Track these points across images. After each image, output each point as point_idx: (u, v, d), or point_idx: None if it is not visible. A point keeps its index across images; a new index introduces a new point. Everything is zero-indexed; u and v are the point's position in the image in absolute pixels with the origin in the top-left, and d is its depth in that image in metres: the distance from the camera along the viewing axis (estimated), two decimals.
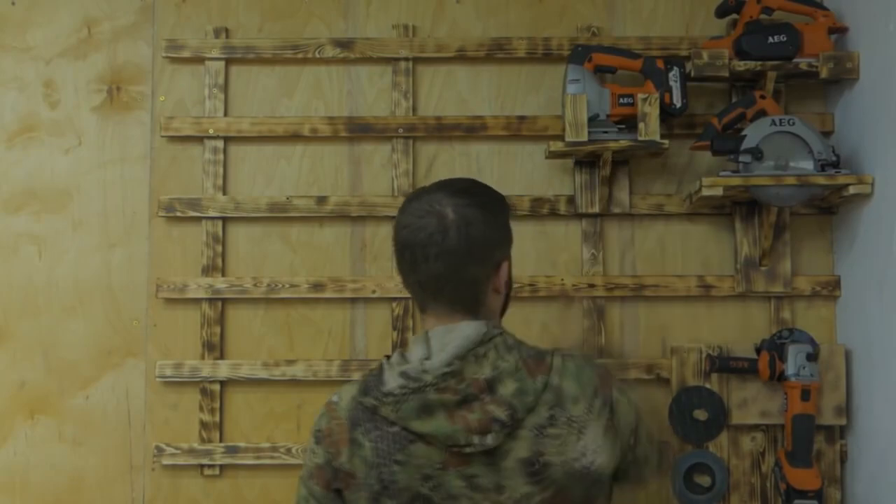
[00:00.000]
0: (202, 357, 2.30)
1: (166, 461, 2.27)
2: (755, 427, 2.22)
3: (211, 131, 2.35)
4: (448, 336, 1.37)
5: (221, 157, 2.36)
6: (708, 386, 2.21)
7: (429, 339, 1.39)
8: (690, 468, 2.18)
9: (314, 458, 1.46)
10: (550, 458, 1.33)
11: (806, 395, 2.12)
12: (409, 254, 1.40)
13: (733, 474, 2.21)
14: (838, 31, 2.25)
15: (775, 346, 2.17)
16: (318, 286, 2.31)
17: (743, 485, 2.21)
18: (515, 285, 2.28)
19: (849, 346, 2.23)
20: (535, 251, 2.34)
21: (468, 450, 1.32)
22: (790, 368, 2.14)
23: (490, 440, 1.32)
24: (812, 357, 2.14)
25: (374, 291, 2.31)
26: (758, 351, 2.19)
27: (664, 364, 2.26)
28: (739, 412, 2.20)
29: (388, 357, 1.43)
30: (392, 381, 1.36)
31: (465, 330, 1.37)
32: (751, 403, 2.20)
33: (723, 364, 2.18)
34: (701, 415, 2.19)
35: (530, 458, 1.33)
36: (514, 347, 1.37)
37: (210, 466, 2.28)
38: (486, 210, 1.42)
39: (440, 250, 1.37)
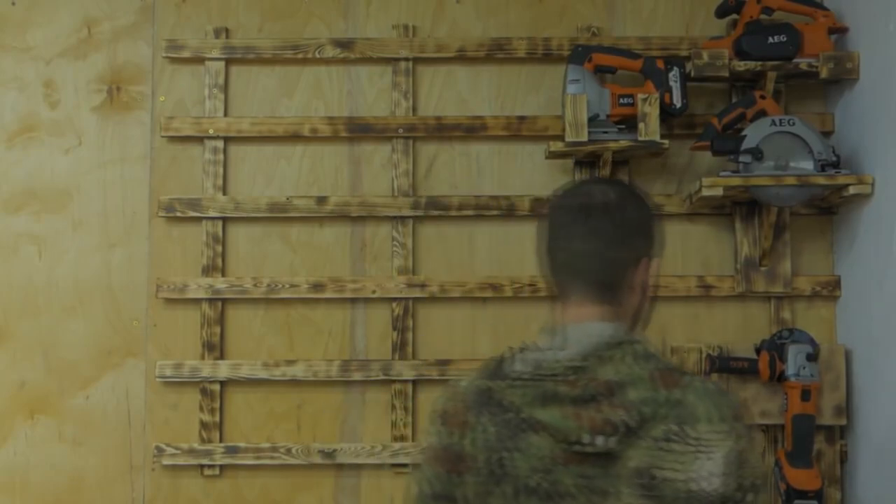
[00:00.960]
0: (202, 357, 2.30)
1: (166, 461, 2.27)
2: (755, 427, 2.22)
3: (211, 131, 2.35)
4: (582, 333, 1.36)
5: (221, 157, 2.36)
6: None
7: (562, 332, 1.38)
8: None
9: (430, 438, 1.45)
10: (665, 473, 1.28)
11: (806, 395, 2.12)
12: (553, 231, 1.42)
13: None
14: (838, 31, 2.25)
15: (775, 347, 2.17)
16: (318, 286, 2.31)
17: None
18: (516, 285, 2.29)
19: (849, 346, 2.23)
20: (534, 251, 2.33)
21: (576, 448, 1.30)
22: (790, 368, 2.14)
23: (601, 442, 1.29)
24: (812, 357, 2.14)
25: (374, 291, 2.31)
26: (758, 351, 2.19)
27: None
28: None
29: (511, 348, 1.42)
30: (519, 366, 1.37)
31: (599, 329, 1.36)
32: (751, 404, 2.20)
33: (723, 364, 2.18)
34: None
35: (643, 469, 1.29)
36: (648, 357, 1.34)
37: (210, 466, 2.28)
38: (637, 201, 1.44)
39: (588, 228, 1.38)
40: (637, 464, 1.28)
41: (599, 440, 1.29)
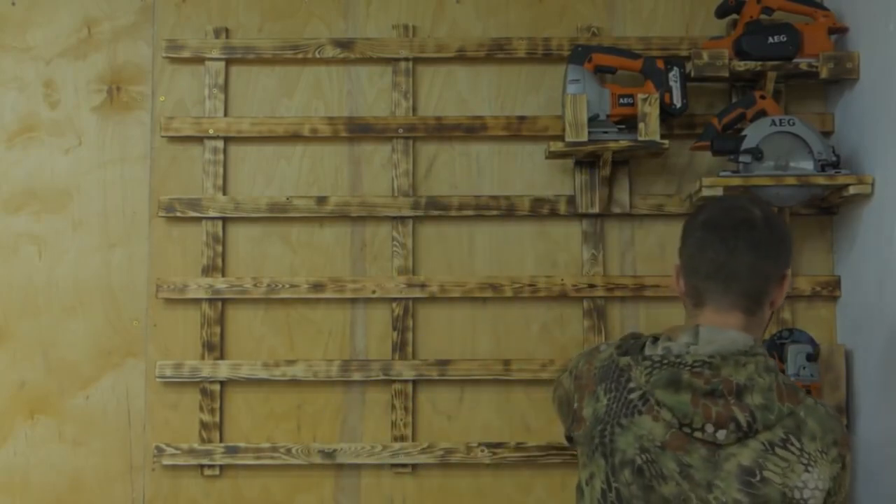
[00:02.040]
0: (202, 357, 2.30)
1: (166, 461, 2.27)
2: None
3: (211, 131, 2.35)
4: (717, 335, 1.44)
5: (221, 157, 2.36)
6: None
7: (698, 332, 1.45)
8: None
9: (564, 384, 1.60)
10: (771, 476, 1.37)
11: None
12: (710, 244, 1.47)
13: None
14: (838, 31, 2.25)
15: (775, 347, 2.17)
16: (318, 286, 2.31)
17: None
18: (516, 285, 2.29)
19: (849, 347, 2.23)
20: (534, 251, 2.34)
21: (697, 434, 1.38)
22: (790, 369, 2.14)
23: (720, 436, 1.37)
24: (812, 357, 2.13)
25: (374, 291, 2.31)
26: None
27: None
28: None
29: (649, 336, 1.52)
30: (653, 350, 1.45)
31: (733, 336, 1.44)
32: None
33: None
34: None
35: (751, 467, 1.37)
36: (773, 371, 1.42)
37: (210, 466, 2.28)
38: (781, 219, 1.56)
39: (748, 239, 1.46)
40: (746, 461, 1.37)
41: (720, 433, 1.37)
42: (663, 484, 1.40)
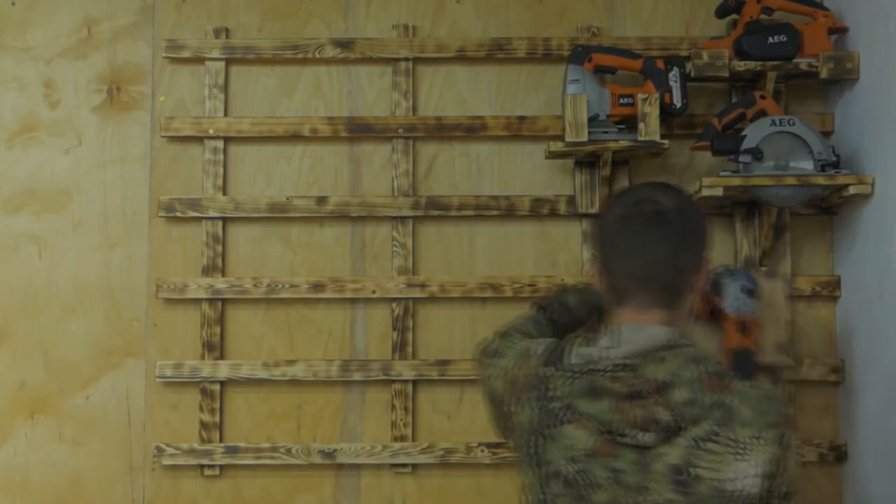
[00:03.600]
0: (202, 357, 2.30)
1: (166, 461, 2.27)
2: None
3: (211, 131, 2.35)
4: (636, 334, 1.41)
5: (221, 157, 2.36)
6: None
7: (617, 332, 1.42)
8: None
9: (493, 384, 1.55)
10: (701, 472, 1.33)
11: (743, 328, 2.06)
12: (622, 240, 1.43)
13: None
14: (838, 31, 2.25)
15: (710, 283, 2.13)
16: (318, 286, 2.31)
17: None
18: (516, 285, 2.30)
19: (849, 347, 2.23)
20: (534, 251, 2.34)
21: (623, 440, 1.35)
22: (726, 303, 2.06)
23: (645, 438, 1.34)
24: (750, 292, 2.09)
25: (374, 291, 2.31)
26: None
27: None
28: None
29: (573, 338, 1.49)
30: (571, 359, 1.42)
31: (653, 332, 1.40)
32: None
33: None
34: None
35: (681, 466, 1.33)
36: (699, 360, 1.38)
37: (210, 466, 2.28)
38: (696, 206, 1.49)
39: (658, 235, 1.41)
40: (674, 461, 1.33)
41: (642, 436, 1.34)
42: (596, 492, 1.37)
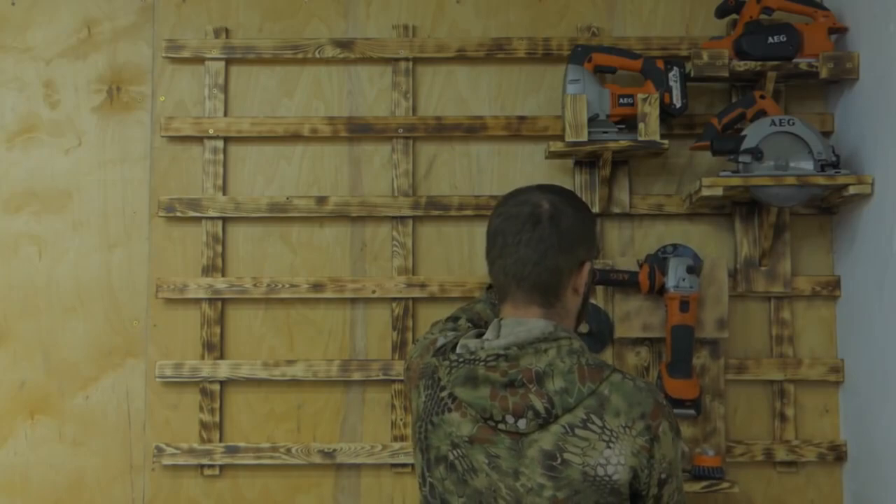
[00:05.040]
0: (202, 357, 2.30)
1: (166, 461, 2.27)
2: (640, 341, 2.24)
3: (211, 131, 2.35)
4: (516, 327, 1.46)
5: (221, 157, 2.36)
6: (593, 301, 2.23)
7: (498, 325, 1.49)
8: None
9: (404, 374, 1.68)
10: (571, 457, 1.39)
11: (685, 306, 2.14)
12: (501, 238, 1.49)
13: None
14: (838, 31, 2.25)
15: (657, 260, 2.19)
16: (318, 286, 2.31)
17: None
18: None
19: (848, 347, 2.23)
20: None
21: (501, 426, 1.41)
22: (670, 280, 2.16)
23: (521, 425, 1.40)
24: (692, 269, 2.16)
25: (374, 291, 2.31)
26: (640, 265, 2.20)
27: None
28: (622, 326, 2.23)
29: (464, 332, 1.57)
30: (457, 349, 1.49)
31: (532, 324, 1.46)
32: (633, 317, 2.22)
33: (603, 276, 2.19)
34: (584, 328, 2.21)
35: (552, 451, 1.39)
36: (576, 353, 1.44)
37: (210, 466, 2.28)
38: (577, 209, 1.52)
39: (532, 235, 1.47)
40: (547, 446, 1.40)
41: (520, 422, 1.40)
42: (475, 477, 1.43)
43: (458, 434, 1.45)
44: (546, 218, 1.48)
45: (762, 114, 2.19)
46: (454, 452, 1.45)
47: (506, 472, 1.41)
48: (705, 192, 2.13)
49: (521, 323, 1.47)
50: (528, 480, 1.40)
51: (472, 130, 2.35)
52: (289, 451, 2.27)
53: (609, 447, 1.39)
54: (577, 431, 1.39)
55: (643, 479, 1.41)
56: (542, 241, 1.47)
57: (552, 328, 1.45)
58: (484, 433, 1.43)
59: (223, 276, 2.33)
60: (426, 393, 1.51)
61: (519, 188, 1.58)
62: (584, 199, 2.31)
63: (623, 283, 2.19)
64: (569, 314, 1.52)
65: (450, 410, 1.46)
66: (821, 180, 2.12)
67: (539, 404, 1.40)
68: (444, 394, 1.47)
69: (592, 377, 1.41)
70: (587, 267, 1.52)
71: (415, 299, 2.31)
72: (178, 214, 2.33)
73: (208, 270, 2.33)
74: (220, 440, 2.29)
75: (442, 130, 2.35)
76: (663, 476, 1.43)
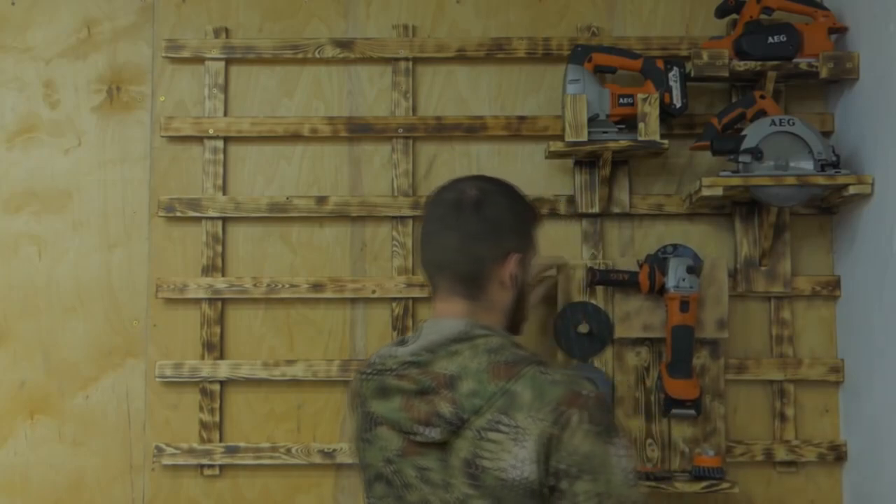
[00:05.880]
0: (202, 357, 2.30)
1: (166, 461, 2.27)
2: (640, 342, 2.24)
3: (211, 131, 2.35)
4: (435, 328, 1.40)
5: (221, 157, 2.36)
6: (593, 301, 2.23)
7: (420, 329, 1.43)
8: None
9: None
10: (486, 462, 1.31)
11: (685, 306, 2.13)
12: (426, 226, 1.46)
13: (618, 389, 2.23)
14: (838, 31, 2.25)
15: (657, 260, 2.19)
16: (318, 286, 2.31)
17: (627, 399, 2.23)
18: None
19: (849, 347, 2.23)
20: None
21: (417, 438, 1.34)
22: (670, 280, 2.15)
23: (432, 433, 1.33)
24: (692, 270, 2.16)
25: (374, 291, 2.31)
26: (640, 265, 2.20)
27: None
28: (622, 326, 2.23)
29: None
30: (373, 360, 1.44)
31: (445, 325, 1.39)
32: (633, 317, 2.22)
33: (603, 277, 2.19)
34: (584, 329, 2.22)
35: (470, 459, 1.32)
36: (493, 350, 1.35)
37: (210, 466, 2.28)
38: (508, 199, 1.46)
39: (453, 223, 1.42)
40: (465, 454, 1.32)
41: (428, 431, 1.33)
42: (409, 492, 1.37)
43: (390, 449, 1.38)
44: (470, 204, 1.42)
45: (762, 114, 2.19)
46: (389, 468, 1.39)
47: (437, 485, 1.35)
48: (705, 192, 2.13)
49: (438, 323, 1.41)
50: (457, 491, 1.33)
51: (472, 130, 2.35)
52: (289, 451, 2.27)
53: (518, 446, 1.29)
54: (489, 435, 1.30)
55: (551, 468, 1.30)
56: (462, 228, 1.41)
57: (466, 326, 1.38)
58: (412, 446, 1.36)
59: (223, 276, 2.33)
60: (358, 411, 1.45)
61: (449, 181, 1.53)
62: (583, 199, 2.32)
63: (623, 283, 2.19)
64: (497, 309, 1.45)
65: (378, 425, 1.40)
66: (821, 180, 2.12)
67: (447, 410, 1.32)
68: (368, 409, 1.41)
69: (505, 374, 1.32)
70: (515, 259, 1.44)
71: (415, 299, 2.31)
72: (178, 214, 2.33)
73: (208, 270, 2.33)
74: (220, 440, 2.29)
75: (442, 130, 2.35)
76: (574, 471, 1.30)
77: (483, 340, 1.36)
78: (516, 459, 1.29)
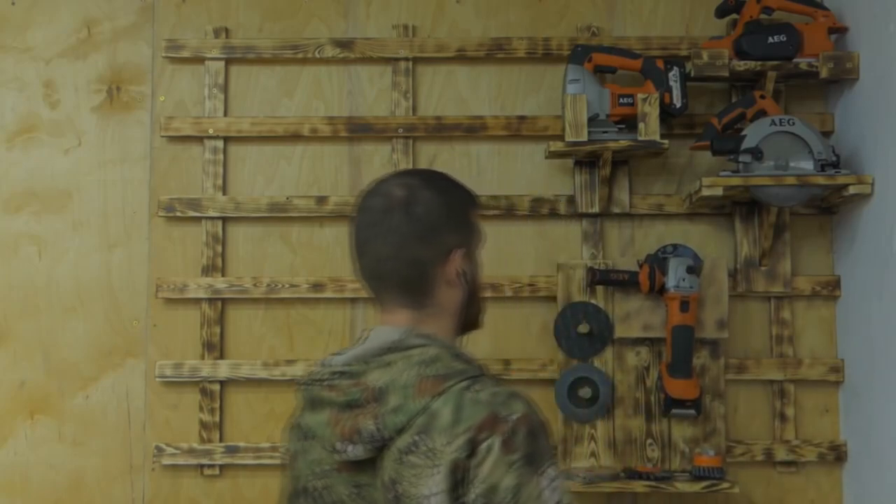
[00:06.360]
0: (202, 357, 2.30)
1: (166, 461, 2.27)
2: (640, 341, 2.25)
3: (211, 131, 2.35)
4: (374, 336, 1.30)
5: (221, 157, 2.36)
6: (593, 301, 2.24)
7: (364, 337, 1.32)
8: (574, 382, 2.22)
9: None
10: (406, 488, 1.18)
11: (685, 306, 2.14)
12: (358, 236, 1.33)
13: (618, 389, 2.24)
14: (838, 31, 2.25)
15: (657, 260, 2.20)
16: (318, 286, 2.31)
17: (628, 399, 2.24)
18: (516, 285, 2.29)
19: (849, 347, 2.23)
20: (535, 251, 2.34)
21: (336, 456, 1.23)
22: (670, 280, 2.16)
23: (354, 451, 1.21)
24: (693, 270, 2.17)
25: None
26: (641, 265, 2.21)
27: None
28: (622, 325, 2.23)
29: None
30: (312, 370, 1.35)
31: (384, 333, 1.28)
32: (633, 317, 2.23)
33: (603, 277, 2.20)
34: (584, 329, 2.22)
35: (391, 483, 1.19)
36: (426, 363, 1.22)
37: (210, 466, 2.28)
38: (439, 192, 1.33)
39: (383, 229, 1.29)
40: (388, 475, 1.20)
41: (351, 449, 1.21)
42: None
43: (322, 463, 1.26)
44: (398, 206, 1.29)
45: (762, 114, 2.19)
46: (317, 483, 1.27)
47: (368, 501, 1.22)
48: (705, 192, 2.13)
49: (377, 332, 1.29)
50: None
51: (472, 130, 2.35)
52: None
53: (435, 473, 1.15)
54: (408, 458, 1.17)
55: (460, 502, 1.15)
56: (394, 233, 1.28)
57: (403, 335, 1.26)
58: (345, 463, 1.23)
59: (223, 275, 2.33)
60: (293, 420, 1.36)
61: (381, 176, 1.39)
62: (583, 199, 2.31)
63: (623, 283, 2.20)
64: (447, 313, 1.32)
65: (309, 438, 1.28)
66: (821, 180, 2.12)
67: (369, 426, 1.19)
68: (301, 419, 1.32)
69: (430, 390, 1.19)
70: (459, 255, 1.32)
71: None
72: (178, 214, 2.33)
73: (208, 270, 2.32)
74: (220, 440, 2.29)
75: (442, 130, 2.35)
76: (482, 502, 1.15)
77: (418, 351, 1.23)
78: (432, 489, 1.15)
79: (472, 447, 1.15)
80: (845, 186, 2.11)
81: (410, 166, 2.34)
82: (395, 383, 1.21)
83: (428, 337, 1.27)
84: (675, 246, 2.26)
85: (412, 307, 1.30)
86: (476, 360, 1.29)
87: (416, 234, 1.28)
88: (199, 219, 2.34)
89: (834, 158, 2.14)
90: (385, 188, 1.33)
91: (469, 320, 1.40)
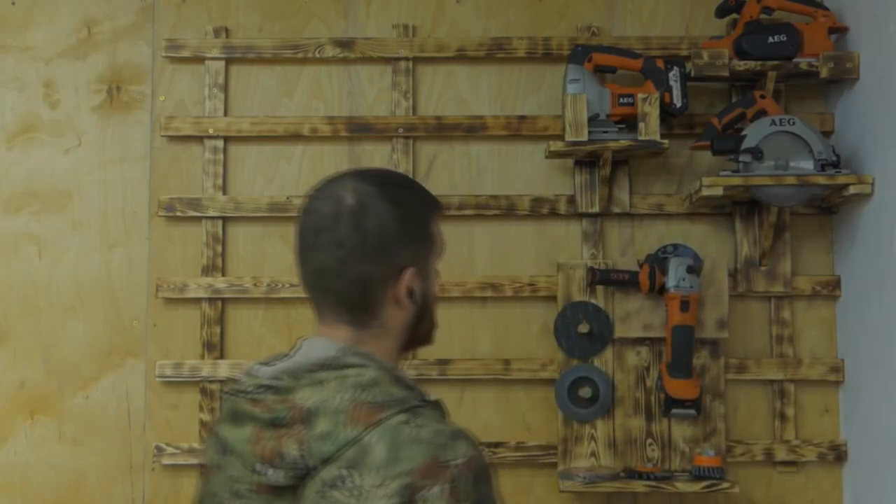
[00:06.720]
0: (202, 357, 2.30)
1: (166, 461, 2.27)
2: (640, 341, 2.25)
3: (211, 131, 2.35)
4: (307, 348, 1.19)
5: (221, 156, 2.36)
6: (593, 301, 2.24)
7: (298, 346, 1.21)
8: (574, 382, 2.22)
9: None
10: None
11: (685, 306, 2.15)
12: (301, 240, 1.22)
13: (618, 389, 2.24)
14: (838, 31, 2.25)
15: (657, 260, 2.20)
16: None
17: (628, 399, 2.24)
18: (516, 285, 2.29)
19: (849, 347, 2.23)
20: (535, 251, 2.34)
21: (256, 477, 1.12)
22: (670, 280, 2.17)
23: (272, 476, 1.10)
24: (693, 270, 2.17)
25: None
26: (641, 265, 2.21)
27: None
28: (622, 325, 2.24)
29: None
30: (241, 378, 1.22)
31: (319, 346, 1.17)
32: (633, 317, 2.23)
33: (603, 276, 2.20)
34: (585, 328, 2.23)
35: None
36: (362, 387, 1.11)
37: None
38: (395, 204, 1.19)
39: (328, 239, 1.17)
40: None
41: (272, 473, 1.10)
42: None
43: (242, 481, 1.14)
44: (347, 215, 1.16)
45: (762, 113, 2.19)
46: (233, 500, 1.15)
47: None
48: (705, 192, 2.13)
49: (312, 344, 1.18)
50: None
51: (472, 130, 2.35)
52: None
53: None
54: (332, 493, 1.06)
55: None
56: (340, 246, 1.15)
57: (339, 352, 1.15)
58: (265, 485, 1.12)
59: (223, 275, 2.33)
60: (213, 431, 1.23)
61: (334, 175, 1.24)
62: (584, 198, 2.31)
63: (623, 283, 2.20)
64: (391, 335, 1.21)
65: (228, 453, 1.16)
66: (821, 180, 2.12)
67: (292, 451, 1.08)
68: (221, 432, 1.19)
69: (364, 419, 1.08)
70: (410, 273, 1.19)
71: None
72: (178, 214, 2.33)
73: (208, 270, 2.32)
74: None
75: (442, 130, 2.35)
76: None
77: (355, 372, 1.12)
78: None
79: (409, 494, 1.04)
80: (845, 186, 2.11)
81: (410, 166, 2.34)
82: (325, 406, 1.09)
83: (367, 357, 1.16)
84: (675, 246, 2.26)
85: (353, 325, 1.18)
86: (416, 385, 1.21)
87: (363, 251, 1.16)
88: (199, 219, 2.34)
89: (834, 158, 2.14)
90: (336, 191, 1.19)
91: (418, 338, 1.29)
